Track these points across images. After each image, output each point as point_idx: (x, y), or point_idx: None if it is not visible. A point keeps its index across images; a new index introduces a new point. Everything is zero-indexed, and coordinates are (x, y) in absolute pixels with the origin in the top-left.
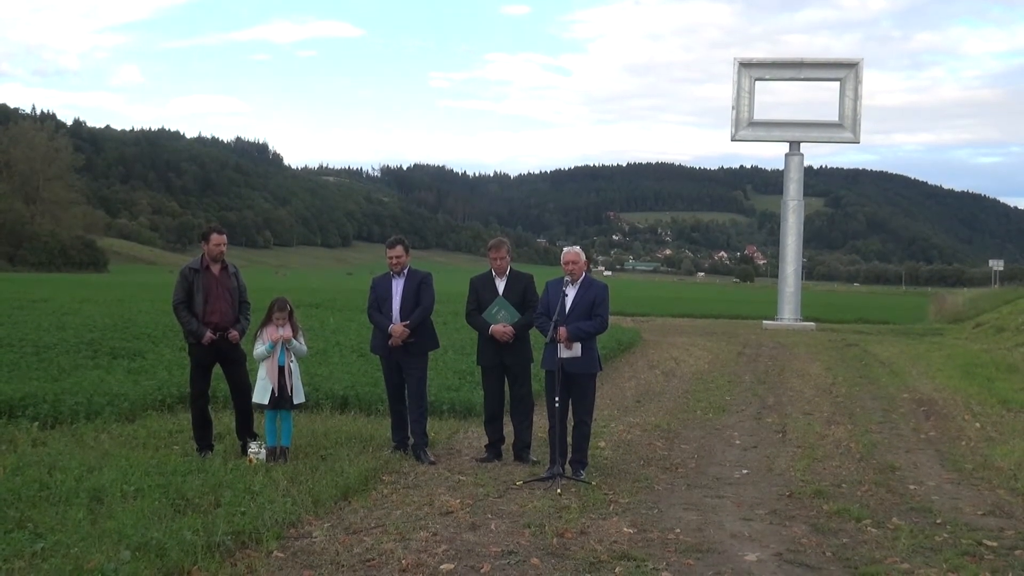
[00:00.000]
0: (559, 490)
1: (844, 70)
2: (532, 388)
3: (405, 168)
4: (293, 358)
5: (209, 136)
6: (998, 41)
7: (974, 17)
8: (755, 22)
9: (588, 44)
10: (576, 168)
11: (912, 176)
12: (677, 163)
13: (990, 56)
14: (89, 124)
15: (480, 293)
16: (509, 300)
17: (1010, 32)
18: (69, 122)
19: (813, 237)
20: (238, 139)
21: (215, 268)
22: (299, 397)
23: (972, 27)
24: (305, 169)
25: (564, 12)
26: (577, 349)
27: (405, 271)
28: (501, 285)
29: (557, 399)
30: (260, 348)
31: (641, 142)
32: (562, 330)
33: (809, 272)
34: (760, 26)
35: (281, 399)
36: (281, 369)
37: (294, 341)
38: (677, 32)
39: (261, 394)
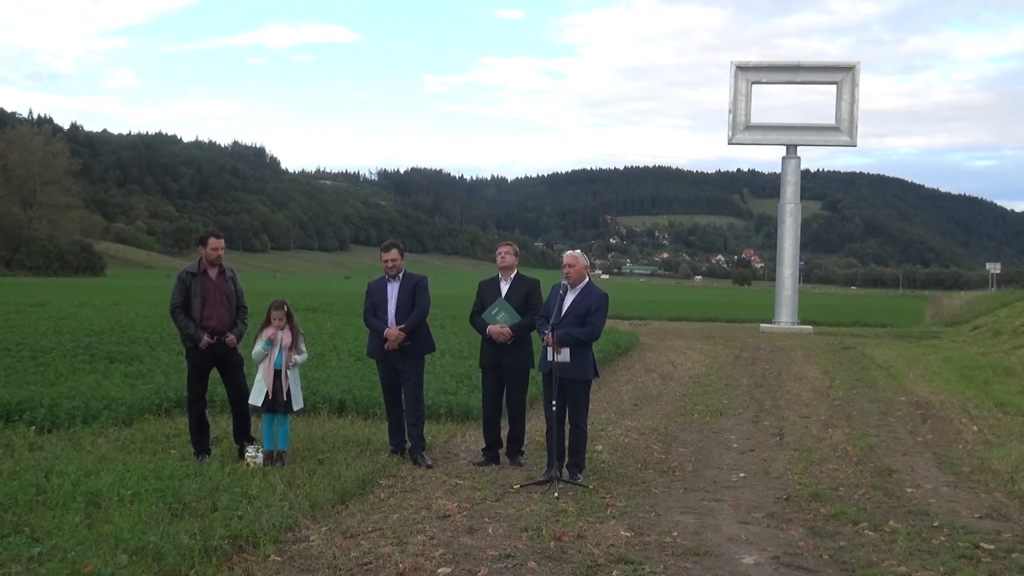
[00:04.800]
0: (556, 494)
1: (840, 73)
2: (528, 391)
3: (402, 172)
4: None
5: (206, 140)
6: (990, 45)
7: (966, 21)
8: (747, 26)
9: (582, 47)
10: (573, 171)
11: (908, 179)
12: (674, 166)
13: (982, 59)
14: (86, 128)
15: (484, 295)
16: (511, 303)
17: (1002, 36)
18: (66, 126)
19: (810, 240)
20: (235, 143)
21: (213, 272)
22: (298, 403)
23: (964, 31)
24: (302, 173)
25: (557, 16)
26: (566, 354)
27: (400, 275)
28: (505, 288)
29: (554, 403)
30: (257, 346)
31: (637, 145)
32: (548, 334)
33: (806, 275)
34: (752, 30)
35: (275, 403)
36: (277, 372)
37: (296, 357)
38: (669, 35)
39: (256, 396)
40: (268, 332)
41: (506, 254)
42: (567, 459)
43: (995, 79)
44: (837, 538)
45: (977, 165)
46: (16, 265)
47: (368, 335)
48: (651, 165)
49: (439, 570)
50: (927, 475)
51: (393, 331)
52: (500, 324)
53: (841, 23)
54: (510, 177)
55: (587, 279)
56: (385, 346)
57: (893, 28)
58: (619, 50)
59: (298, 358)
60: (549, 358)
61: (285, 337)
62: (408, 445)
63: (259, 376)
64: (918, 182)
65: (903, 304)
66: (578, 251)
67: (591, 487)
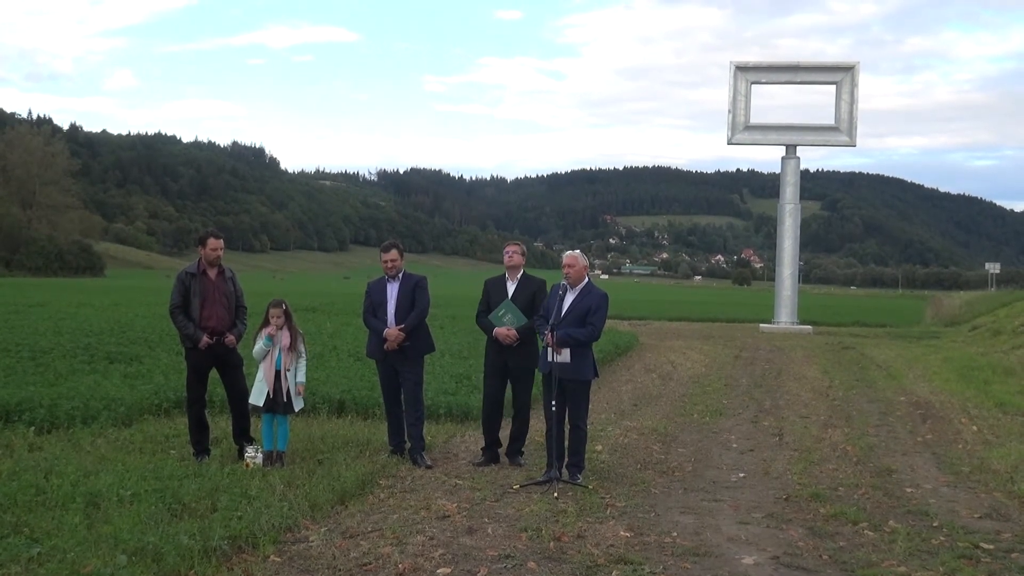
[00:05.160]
0: (556, 494)
1: (840, 73)
2: (532, 393)
3: (402, 172)
4: (291, 366)
5: (205, 140)
6: (990, 45)
7: (965, 21)
8: (746, 26)
9: (581, 48)
10: (572, 172)
11: (908, 179)
12: (673, 167)
13: (982, 59)
14: (85, 129)
15: (491, 295)
16: (517, 304)
17: (1002, 36)
18: (66, 127)
19: (810, 240)
20: (234, 143)
21: (212, 272)
22: (299, 404)
23: (964, 31)
24: (302, 173)
25: (556, 16)
26: (566, 355)
27: (400, 275)
28: (511, 288)
29: (554, 403)
30: (259, 343)
31: (636, 145)
32: (548, 335)
33: (806, 275)
34: (751, 30)
35: (275, 403)
36: (277, 373)
37: (299, 381)
38: (669, 36)
39: (257, 396)
40: (267, 331)
41: (514, 253)
42: (567, 459)
43: (995, 79)
44: (837, 538)
45: (977, 165)
46: (16, 265)
47: (368, 335)
48: (651, 165)
49: (439, 570)
50: (927, 475)
51: (392, 331)
52: (507, 326)
53: (841, 23)
54: (510, 177)
55: (587, 279)
56: (385, 346)
57: (893, 28)
58: (619, 50)
59: (301, 380)
60: (549, 358)
61: (284, 337)
62: (408, 445)
63: (260, 376)
64: (918, 182)
65: (903, 304)
66: (578, 251)
67: (591, 487)
